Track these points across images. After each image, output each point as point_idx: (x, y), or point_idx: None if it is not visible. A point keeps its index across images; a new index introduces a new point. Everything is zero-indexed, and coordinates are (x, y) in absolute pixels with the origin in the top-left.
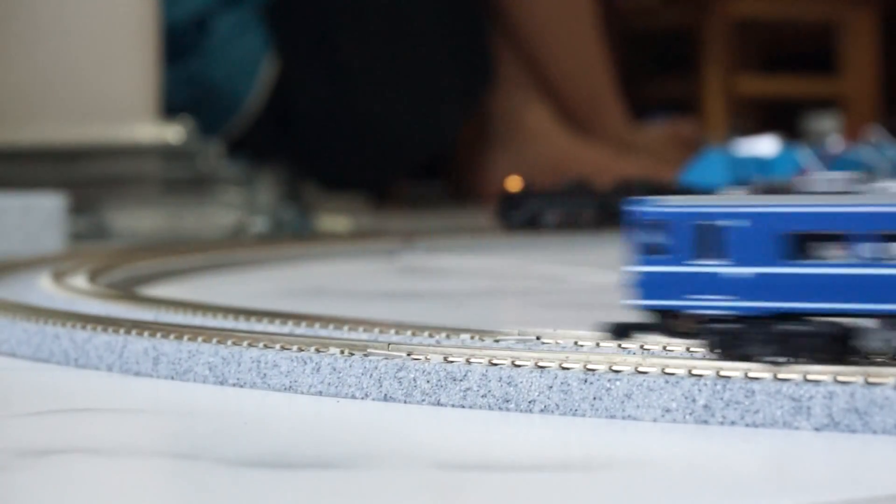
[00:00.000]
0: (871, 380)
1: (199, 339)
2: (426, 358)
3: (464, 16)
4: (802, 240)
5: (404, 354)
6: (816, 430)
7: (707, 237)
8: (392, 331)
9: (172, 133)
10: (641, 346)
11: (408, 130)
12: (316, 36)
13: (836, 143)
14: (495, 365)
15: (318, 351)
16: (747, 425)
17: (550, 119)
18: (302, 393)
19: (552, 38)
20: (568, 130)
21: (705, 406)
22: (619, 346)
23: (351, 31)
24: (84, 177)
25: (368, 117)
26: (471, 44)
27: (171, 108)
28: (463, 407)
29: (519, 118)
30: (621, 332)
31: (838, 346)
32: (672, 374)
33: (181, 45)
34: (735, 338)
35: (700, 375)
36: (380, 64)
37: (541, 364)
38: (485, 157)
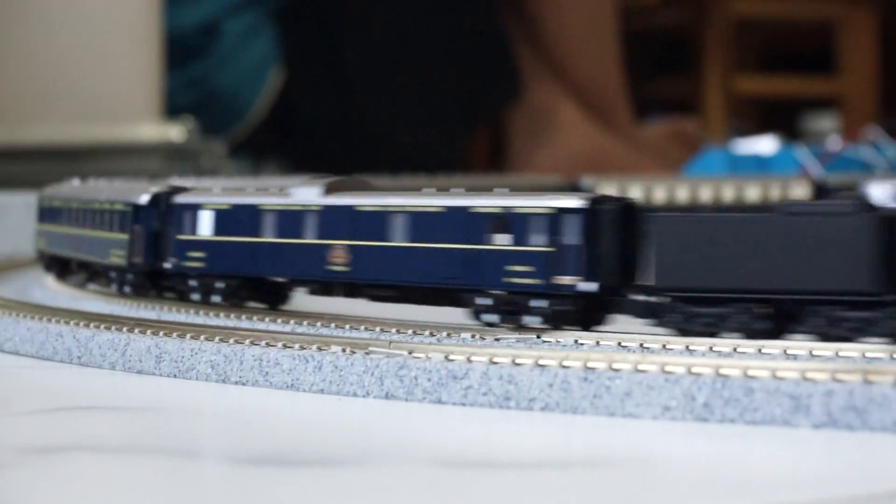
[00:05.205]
0: (869, 378)
1: (202, 337)
2: (427, 356)
3: (486, 28)
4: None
5: (405, 353)
6: (815, 427)
7: None
8: (393, 329)
9: (175, 132)
10: (641, 345)
11: (411, 145)
12: (324, 46)
13: (834, 142)
14: (496, 363)
15: (319, 349)
16: (746, 423)
17: (580, 114)
18: (304, 391)
19: (577, 44)
20: (595, 125)
21: (705, 404)
22: (619, 344)
23: (359, 44)
24: (88, 175)
25: (373, 130)
26: (495, 56)
27: (176, 110)
28: (464, 405)
29: (552, 114)
30: None
31: None
32: (671, 372)
33: (190, 49)
34: None
35: (699, 374)
36: (387, 79)
37: (541, 362)
38: (523, 153)
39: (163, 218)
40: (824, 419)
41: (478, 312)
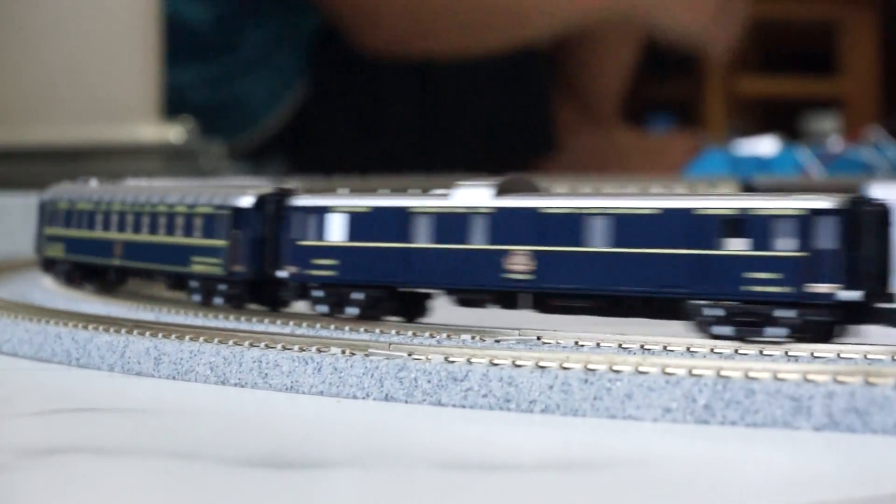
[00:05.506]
0: (870, 379)
1: (201, 338)
2: (427, 358)
3: (528, 84)
4: None
5: (405, 354)
6: (816, 429)
7: None
8: (393, 331)
9: (174, 133)
10: (642, 347)
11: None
12: (352, 80)
13: (836, 143)
14: (496, 365)
15: (319, 351)
16: (747, 425)
17: (578, 116)
18: (303, 393)
19: (603, 81)
20: (594, 132)
21: (706, 406)
22: (620, 346)
23: (387, 90)
24: (86, 176)
25: (391, 158)
26: (534, 112)
27: (190, 106)
28: (464, 407)
29: (556, 118)
30: None
31: None
32: (672, 374)
33: (207, 45)
34: None
35: (700, 375)
36: (412, 119)
37: (541, 364)
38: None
39: (271, 222)
40: (825, 421)
41: (706, 324)
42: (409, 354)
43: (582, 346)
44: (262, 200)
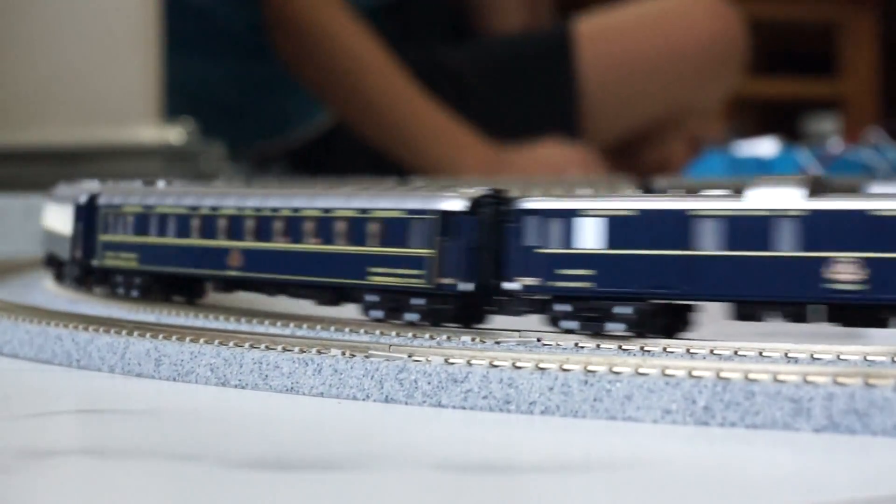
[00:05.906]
0: (870, 381)
1: (201, 340)
2: (427, 360)
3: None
4: None
5: (405, 356)
6: (816, 431)
7: None
8: (393, 332)
9: (174, 134)
10: (641, 348)
11: None
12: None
13: (835, 144)
14: (496, 367)
15: (319, 352)
16: (747, 427)
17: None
18: (303, 394)
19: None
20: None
21: (705, 407)
22: (620, 347)
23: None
24: (87, 178)
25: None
26: None
27: (217, 103)
28: (464, 408)
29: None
30: None
31: None
32: (672, 375)
33: (244, 45)
34: None
35: (700, 377)
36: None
37: (541, 366)
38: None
39: (489, 228)
40: (825, 423)
41: None
42: (410, 356)
43: (582, 347)
44: (476, 203)
